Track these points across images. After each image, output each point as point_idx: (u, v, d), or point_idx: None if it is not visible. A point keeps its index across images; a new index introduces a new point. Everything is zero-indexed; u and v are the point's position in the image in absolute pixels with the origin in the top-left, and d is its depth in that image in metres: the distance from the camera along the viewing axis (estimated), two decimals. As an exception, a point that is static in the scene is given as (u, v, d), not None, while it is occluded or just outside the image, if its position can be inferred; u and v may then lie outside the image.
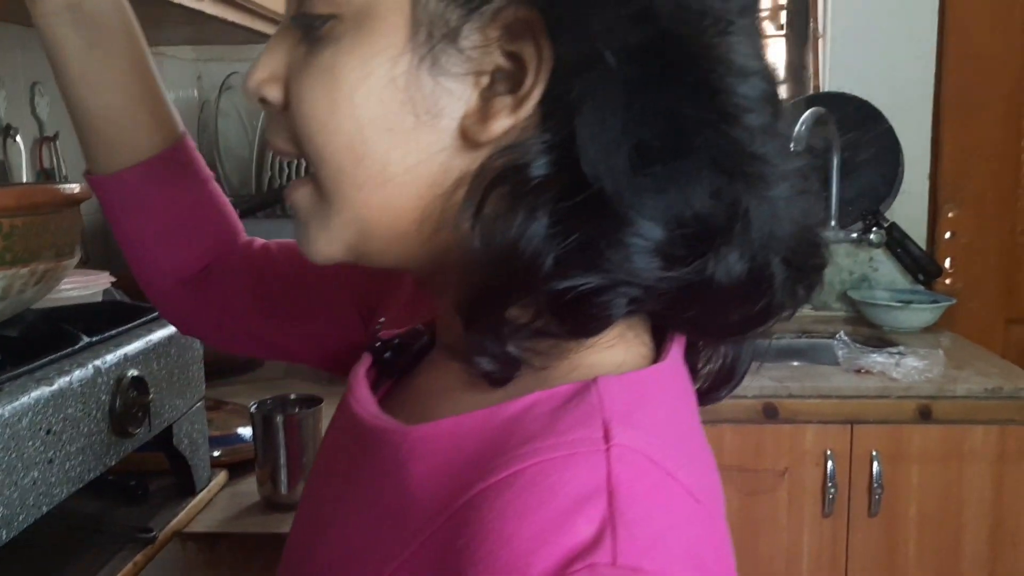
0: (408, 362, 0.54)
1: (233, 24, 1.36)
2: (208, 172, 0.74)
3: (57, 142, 1.42)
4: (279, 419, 1.05)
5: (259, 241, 0.75)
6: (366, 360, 0.54)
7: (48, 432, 0.71)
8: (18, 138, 1.34)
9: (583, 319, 0.41)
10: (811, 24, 2.30)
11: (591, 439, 0.38)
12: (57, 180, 1.41)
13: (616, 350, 0.44)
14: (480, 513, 0.37)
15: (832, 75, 2.23)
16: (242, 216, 0.78)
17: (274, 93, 0.46)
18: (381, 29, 0.42)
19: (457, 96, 0.42)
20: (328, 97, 0.43)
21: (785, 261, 0.44)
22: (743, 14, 0.41)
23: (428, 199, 0.44)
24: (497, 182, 0.41)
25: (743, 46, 0.40)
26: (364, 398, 0.49)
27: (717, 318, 0.44)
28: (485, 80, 0.42)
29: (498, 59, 0.42)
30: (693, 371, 0.49)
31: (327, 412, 0.90)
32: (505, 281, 0.40)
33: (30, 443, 0.69)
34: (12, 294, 0.78)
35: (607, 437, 0.38)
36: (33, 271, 0.78)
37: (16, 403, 0.67)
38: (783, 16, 2.43)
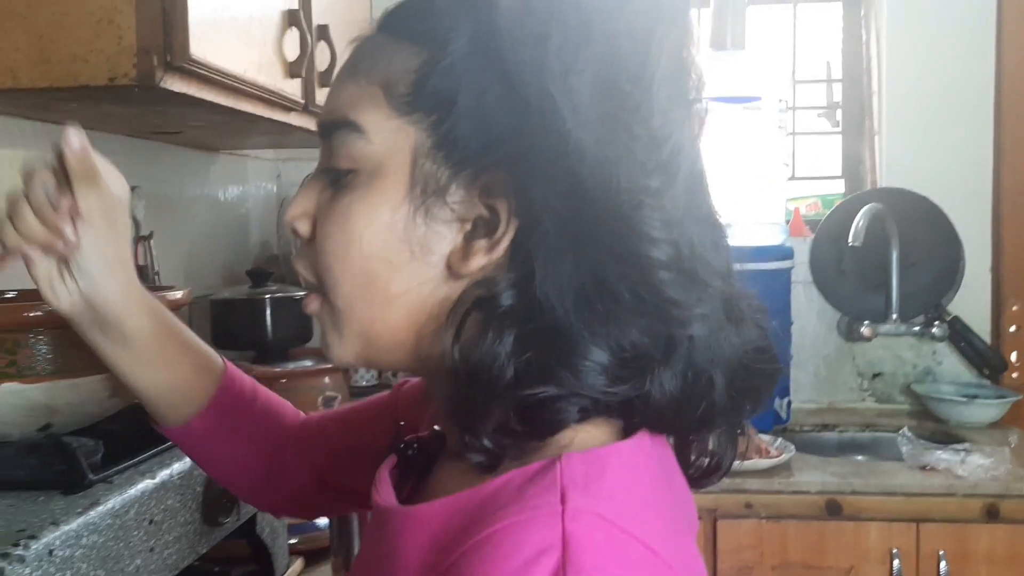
0: (428, 462, 0.62)
1: (311, 132, 1.47)
2: (254, 386, 0.80)
3: (151, 241, 1.52)
4: (354, 510, 1.09)
5: (312, 417, 0.82)
6: (391, 460, 0.62)
7: (151, 522, 0.77)
8: (116, 239, 1.44)
9: (540, 421, 0.50)
10: (866, 122, 2.35)
11: (549, 503, 0.46)
12: (150, 276, 1.50)
13: (587, 434, 0.52)
14: (463, 567, 0.46)
15: (888, 171, 2.26)
16: None
17: (304, 227, 0.58)
18: (387, 184, 0.53)
19: (445, 237, 0.53)
20: (344, 236, 0.54)
21: (725, 377, 0.53)
22: (651, 195, 0.50)
23: (419, 317, 0.55)
24: (473, 309, 0.52)
25: (653, 219, 0.50)
26: (384, 490, 0.58)
27: (662, 420, 0.53)
28: (468, 226, 0.53)
29: (479, 210, 0.52)
30: (685, 462, 0.59)
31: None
32: (477, 388, 0.50)
33: (135, 533, 0.75)
34: (119, 392, 0.85)
35: (563, 500, 0.46)
36: (139, 371, 0.85)
37: (125, 495, 0.74)
38: (839, 114, 2.48)
